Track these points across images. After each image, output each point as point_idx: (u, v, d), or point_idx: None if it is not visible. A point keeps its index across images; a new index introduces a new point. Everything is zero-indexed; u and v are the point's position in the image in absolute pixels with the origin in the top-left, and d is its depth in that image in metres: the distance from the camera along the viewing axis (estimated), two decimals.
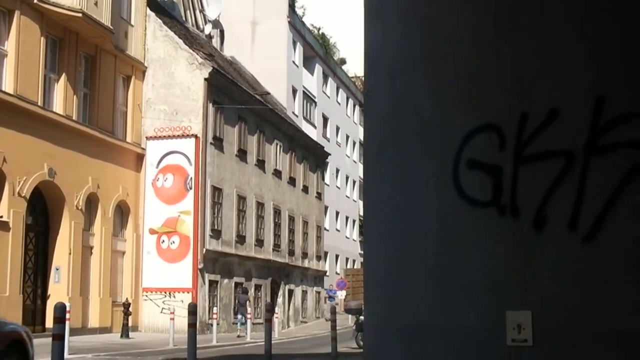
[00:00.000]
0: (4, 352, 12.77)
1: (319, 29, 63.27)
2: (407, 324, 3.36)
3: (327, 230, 55.91)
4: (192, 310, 15.91)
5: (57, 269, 27.52)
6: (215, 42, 46.75)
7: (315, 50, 57.62)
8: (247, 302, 32.39)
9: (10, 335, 12.91)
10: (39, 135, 26.11)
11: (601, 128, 2.96)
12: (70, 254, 27.67)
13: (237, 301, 33.71)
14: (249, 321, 30.18)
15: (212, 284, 34.67)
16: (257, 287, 39.75)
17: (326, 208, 55.39)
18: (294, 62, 52.75)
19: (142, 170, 33.47)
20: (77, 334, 25.70)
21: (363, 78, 3.89)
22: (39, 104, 26.41)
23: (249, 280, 38.48)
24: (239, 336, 30.62)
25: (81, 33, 28.77)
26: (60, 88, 28.00)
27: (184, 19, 42.38)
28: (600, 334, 2.88)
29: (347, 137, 65.86)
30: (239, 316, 31.96)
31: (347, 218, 64.61)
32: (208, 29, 45.83)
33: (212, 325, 29.03)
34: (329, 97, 60.63)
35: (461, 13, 3.34)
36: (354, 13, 45.42)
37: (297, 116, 52.00)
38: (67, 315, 13.60)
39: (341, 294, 48.00)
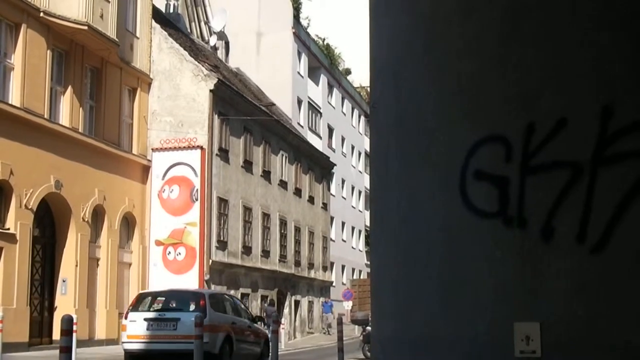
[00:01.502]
0: (263, 344, 21.78)
1: (324, 39, 63.35)
2: (414, 335, 3.35)
3: (333, 241, 55.89)
4: (199, 322, 15.87)
5: (63, 281, 27.55)
6: (221, 53, 46.88)
7: (320, 60, 57.70)
8: (274, 313, 32.31)
9: (265, 334, 22.29)
10: (45, 147, 26.18)
11: (608, 138, 2.95)
12: (76, 265, 27.71)
13: (264, 313, 33.64)
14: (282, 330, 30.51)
15: None
16: (264, 298, 39.73)
17: (332, 218, 55.37)
18: (299, 72, 52.82)
19: (148, 182, 33.52)
20: (84, 346, 25.70)
21: (368, 88, 3.89)
22: (45, 116, 26.49)
23: (255, 291, 38.47)
24: None
25: (87, 46, 28.87)
26: (66, 100, 28.10)
27: (189, 30, 42.49)
28: (609, 346, 2.87)
29: (353, 147, 65.88)
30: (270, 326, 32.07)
31: (353, 228, 64.56)
32: (213, 40, 45.95)
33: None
34: (334, 107, 60.67)
35: (466, 23, 3.34)
36: (359, 23, 45.55)
37: (302, 127, 52.03)
38: (74, 327, 13.64)
39: (347, 305, 47.95)
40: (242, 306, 24.12)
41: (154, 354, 18.32)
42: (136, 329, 18.47)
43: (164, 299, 20.10)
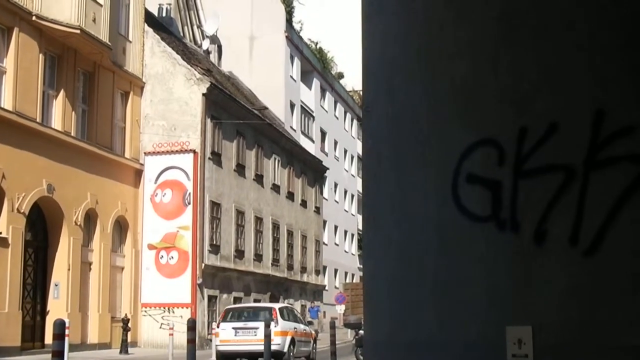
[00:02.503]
0: (312, 343, 27.02)
1: (317, 43, 63.45)
2: (407, 339, 3.36)
3: (326, 245, 55.92)
4: (191, 325, 15.93)
5: (56, 285, 27.52)
6: (213, 57, 46.87)
7: (313, 64, 57.76)
8: None
9: (313, 335, 27.38)
10: (37, 151, 26.16)
11: (601, 142, 2.96)
12: (69, 269, 27.68)
13: None
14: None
15: (211, 299, 34.66)
16: (256, 302, 39.69)
17: (325, 222, 55.40)
18: (291, 76, 52.87)
19: (141, 186, 33.51)
20: (77, 350, 25.66)
21: (361, 92, 3.90)
22: (38, 120, 26.47)
23: (248, 295, 38.45)
24: None
25: (79, 49, 28.86)
26: (58, 104, 28.07)
27: (181, 34, 42.48)
28: (601, 349, 2.87)
29: (345, 151, 65.95)
30: None
31: (345, 232, 64.61)
32: (206, 44, 45.95)
33: (211, 340, 29.00)
34: (326, 111, 60.74)
35: (460, 26, 3.34)
36: (351, 27, 45.60)
37: (295, 131, 52.07)
38: (67, 332, 13.62)
39: (340, 309, 47.96)
40: (299, 314, 29.71)
41: (239, 353, 24.37)
42: (226, 335, 24.64)
43: (245, 312, 26.66)
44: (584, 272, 2.92)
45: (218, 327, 25.59)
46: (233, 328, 24.68)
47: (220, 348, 24.89)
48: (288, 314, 26.63)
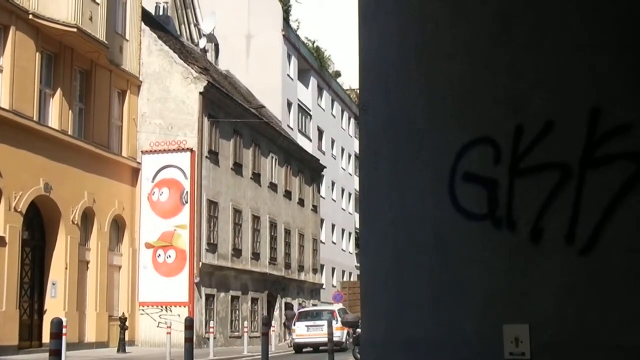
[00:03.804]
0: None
1: (314, 42, 63.41)
2: (404, 337, 3.36)
3: (323, 243, 55.94)
4: (189, 324, 15.93)
5: (53, 284, 27.51)
6: (210, 56, 46.87)
7: (310, 63, 57.76)
8: (294, 317, 38.38)
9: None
10: (34, 150, 26.15)
11: (597, 140, 2.96)
12: (66, 268, 27.67)
13: (285, 317, 41.78)
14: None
15: (209, 298, 34.67)
16: (254, 301, 39.71)
17: (322, 221, 55.42)
18: (288, 75, 52.87)
19: (138, 185, 33.51)
20: (74, 349, 25.66)
21: (358, 91, 3.90)
22: (35, 119, 26.45)
23: (246, 294, 38.46)
24: (288, 344, 39.27)
25: (76, 48, 28.85)
26: (55, 103, 28.06)
27: (178, 33, 42.47)
28: (598, 347, 2.88)
29: (343, 149, 65.96)
30: (290, 328, 38.95)
31: (343, 231, 64.62)
32: (203, 42, 45.94)
33: (209, 339, 29.02)
34: (323, 110, 60.74)
35: (456, 25, 3.34)
36: (348, 26, 45.60)
37: (292, 129, 52.08)
38: (64, 330, 13.61)
39: (337, 307, 47.95)
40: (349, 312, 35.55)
41: (310, 344, 33.14)
42: (300, 331, 33.44)
43: (313, 313, 35.56)
44: (580, 270, 2.93)
45: (294, 325, 34.53)
46: (305, 325, 33.38)
47: (297, 340, 33.90)
48: (343, 314, 33.10)
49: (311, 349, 33.30)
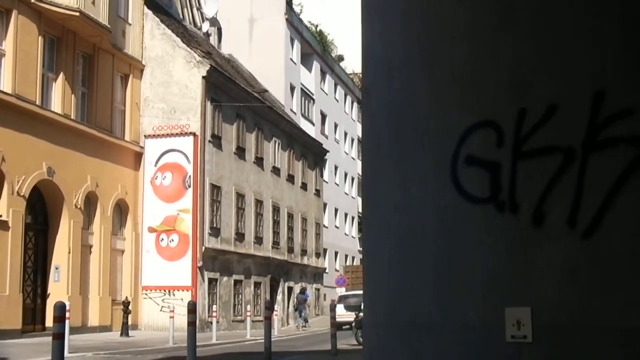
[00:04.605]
0: None
1: (317, 25, 63.21)
2: (407, 320, 3.36)
3: (326, 227, 55.94)
4: (192, 308, 15.93)
5: (56, 268, 27.53)
6: (213, 39, 46.75)
7: (313, 47, 57.59)
8: (306, 301, 40.67)
9: None
10: (37, 134, 26.11)
11: (600, 124, 2.95)
12: (69, 252, 27.68)
13: (296, 300, 41.14)
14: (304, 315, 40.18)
15: (212, 282, 34.71)
16: (257, 285, 39.76)
17: (325, 205, 55.41)
18: (291, 59, 52.74)
19: (141, 169, 33.48)
20: (77, 333, 25.70)
21: (361, 75, 3.89)
22: (37, 103, 26.41)
23: (249, 278, 38.49)
24: (297, 327, 39.56)
25: (79, 32, 28.76)
26: (58, 87, 28.00)
27: (181, 16, 42.34)
28: (599, 330, 2.88)
29: (346, 134, 65.84)
30: (302, 312, 39.83)
31: (346, 215, 64.61)
32: (205, 26, 45.79)
33: (211, 323, 29.04)
34: (327, 94, 60.61)
35: (460, 9, 3.33)
36: (351, 10, 45.41)
37: (295, 113, 51.99)
38: (67, 314, 13.64)
39: (340, 291, 48.02)
40: None
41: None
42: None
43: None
44: (582, 253, 2.93)
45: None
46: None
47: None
48: None
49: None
